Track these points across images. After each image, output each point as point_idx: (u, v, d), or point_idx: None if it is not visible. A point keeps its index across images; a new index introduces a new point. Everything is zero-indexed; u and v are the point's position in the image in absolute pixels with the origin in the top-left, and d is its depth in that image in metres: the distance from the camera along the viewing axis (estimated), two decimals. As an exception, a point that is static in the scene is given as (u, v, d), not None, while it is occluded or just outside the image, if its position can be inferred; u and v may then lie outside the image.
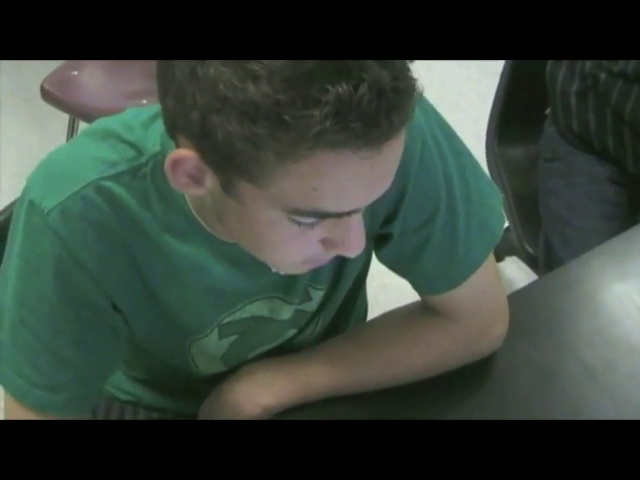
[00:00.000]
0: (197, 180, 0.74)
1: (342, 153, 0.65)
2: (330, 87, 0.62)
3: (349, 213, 0.72)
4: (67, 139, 2.39)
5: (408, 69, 0.66)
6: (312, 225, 0.74)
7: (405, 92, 0.65)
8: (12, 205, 1.11)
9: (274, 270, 0.91)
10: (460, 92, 2.95)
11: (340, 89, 0.62)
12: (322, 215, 0.71)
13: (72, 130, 2.38)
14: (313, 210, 0.70)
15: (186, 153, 0.71)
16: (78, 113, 2.20)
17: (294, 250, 0.78)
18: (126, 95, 2.09)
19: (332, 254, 0.80)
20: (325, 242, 0.78)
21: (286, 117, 0.63)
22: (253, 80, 0.63)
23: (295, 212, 0.71)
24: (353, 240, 0.77)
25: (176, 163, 0.73)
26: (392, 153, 0.69)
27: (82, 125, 2.32)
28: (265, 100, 0.63)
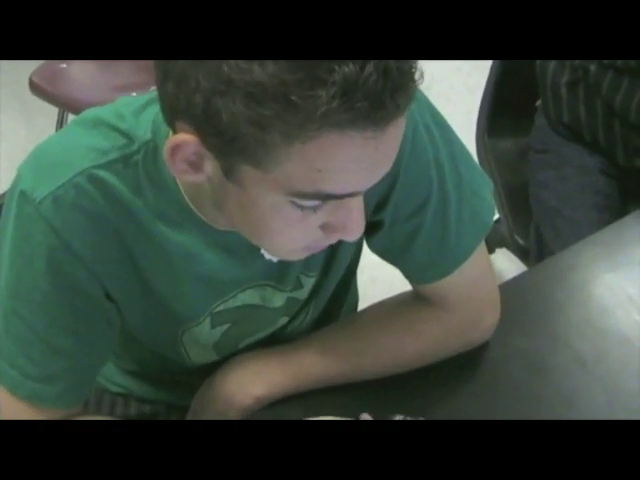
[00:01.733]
0: (196, 166, 0.74)
1: (347, 133, 0.65)
2: (337, 67, 0.62)
3: (351, 195, 0.72)
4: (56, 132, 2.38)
5: None
6: (314, 209, 0.73)
7: (409, 72, 0.66)
8: (2, 197, 1.10)
9: (267, 257, 0.91)
10: (450, 85, 2.95)
11: (347, 69, 0.62)
12: (324, 197, 0.71)
13: (61, 124, 2.37)
14: (316, 192, 0.70)
15: (186, 138, 0.71)
16: (67, 106, 2.20)
17: (295, 235, 0.77)
18: (115, 88, 2.08)
19: (332, 240, 0.80)
20: (325, 227, 0.78)
21: (293, 98, 0.63)
22: (259, 61, 0.63)
23: (298, 195, 0.71)
24: (354, 223, 0.77)
25: (175, 149, 0.72)
26: (395, 134, 0.69)
27: (71, 118, 2.30)
28: (272, 81, 0.63)
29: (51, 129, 2.41)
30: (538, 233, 1.70)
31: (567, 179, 1.69)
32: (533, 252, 1.72)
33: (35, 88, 2.16)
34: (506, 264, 2.22)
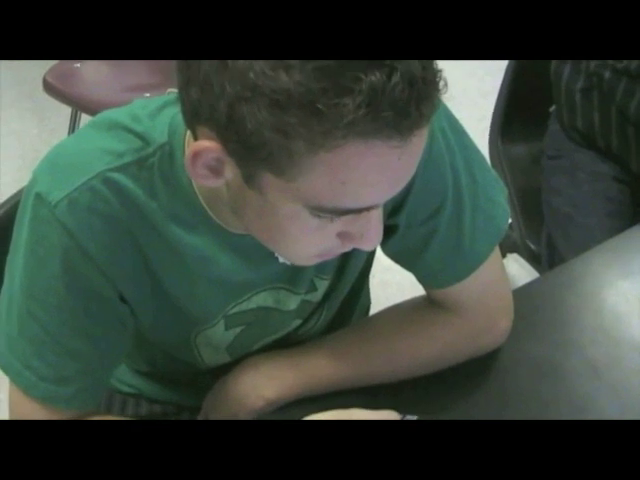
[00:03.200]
0: (216, 172, 0.74)
1: (372, 143, 0.65)
2: (363, 76, 0.62)
3: (369, 209, 0.72)
4: (69, 132, 2.38)
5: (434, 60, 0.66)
6: (331, 219, 0.73)
7: (433, 82, 0.66)
8: (14, 197, 1.11)
9: (281, 260, 0.91)
10: (463, 89, 2.95)
11: (373, 77, 0.62)
12: (343, 212, 0.71)
13: (74, 123, 2.37)
14: (335, 208, 0.70)
15: (209, 144, 0.70)
16: (80, 106, 2.20)
17: (312, 243, 0.78)
18: (128, 88, 2.08)
19: (347, 248, 0.80)
20: (342, 235, 0.78)
21: (319, 106, 0.63)
22: (285, 69, 0.62)
23: (317, 209, 0.71)
24: (372, 233, 0.77)
25: (197, 155, 0.72)
26: (418, 144, 0.69)
27: (84, 118, 2.32)
28: (298, 89, 0.62)
29: (63, 129, 2.42)
30: (550, 239, 1.70)
31: (580, 185, 1.69)
32: (544, 258, 1.72)
33: (49, 87, 2.16)
34: (517, 269, 2.21)
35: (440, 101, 0.67)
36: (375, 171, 0.68)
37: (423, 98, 0.65)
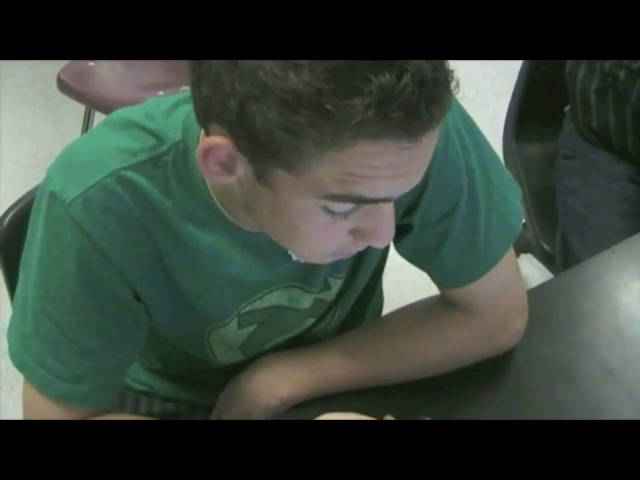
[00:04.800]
0: (228, 168, 0.74)
1: (382, 143, 0.65)
2: (373, 77, 0.62)
3: (383, 200, 0.72)
4: (83, 130, 2.39)
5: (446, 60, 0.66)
6: (345, 215, 0.73)
7: (444, 84, 0.66)
8: (27, 196, 1.11)
9: (295, 259, 0.91)
10: (477, 90, 2.94)
11: (383, 79, 0.62)
12: (357, 200, 0.71)
13: (88, 121, 2.38)
14: (347, 195, 0.70)
15: (220, 141, 0.71)
16: (94, 104, 2.21)
17: (324, 240, 0.77)
18: (143, 86, 2.09)
19: (360, 246, 0.80)
20: (355, 232, 0.77)
21: (328, 106, 0.63)
22: (295, 69, 0.63)
23: (330, 197, 0.70)
24: (385, 230, 0.77)
25: (208, 151, 0.72)
26: (429, 144, 0.69)
27: (98, 116, 2.32)
28: (307, 89, 0.63)
29: (77, 127, 2.43)
30: (564, 239, 1.69)
31: (595, 186, 1.68)
32: (558, 258, 1.71)
33: (63, 86, 2.17)
34: (530, 270, 2.21)
35: (452, 102, 0.67)
36: (385, 168, 0.68)
37: (434, 99, 0.64)
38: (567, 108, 1.79)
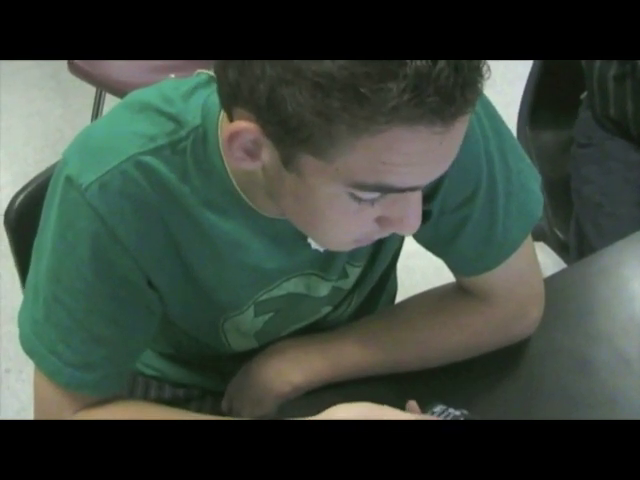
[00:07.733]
0: (253, 154, 0.73)
1: (415, 128, 0.64)
2: (408, 60, 0.61)
3: (412, 189, 0.71)
4: (93, 113, 2.38)
5: None
6: (372, 202, 0.72)
7: (478, 68, 0.65)
8: (38, 177, 1.10)
9: (314, 247, 0.90)
10: (490, 76, 2.92)
11: (418, 62, 0.61)
12: (385, 189, 0.70)
13: (98, 104, 2.37)
14: (377, 184, 0.69)
15: (246, 125, 0.70)
16: (106, 86, 2.20)
17: (350, 227, 0.77)
18: (154, 69, 2.08)
19: (385, 233, 0.79)
20: (382, 220, 0.77)
21: (362, 90, 0.62)
22: None
23: (358, 186, 0.69)
24: (412, 218, 0.76)
25: (234, 136, 0.71)
26: (461, 129, 0.69)
27: (108, 98, 2.31)
28: (341, 72, 0.62)
29: (87, 109, 2.42)
30: (579, 228, 1.68)
31: (611, 174, 1.66)
32: (573, 247, 1.70)
33: (74, 68, 2.16)
34: (544, 259, 2.20)
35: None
36: (417, 154, 0.67)
37: (468, 84, 0.64)
38: (583, 95, 1.77)
